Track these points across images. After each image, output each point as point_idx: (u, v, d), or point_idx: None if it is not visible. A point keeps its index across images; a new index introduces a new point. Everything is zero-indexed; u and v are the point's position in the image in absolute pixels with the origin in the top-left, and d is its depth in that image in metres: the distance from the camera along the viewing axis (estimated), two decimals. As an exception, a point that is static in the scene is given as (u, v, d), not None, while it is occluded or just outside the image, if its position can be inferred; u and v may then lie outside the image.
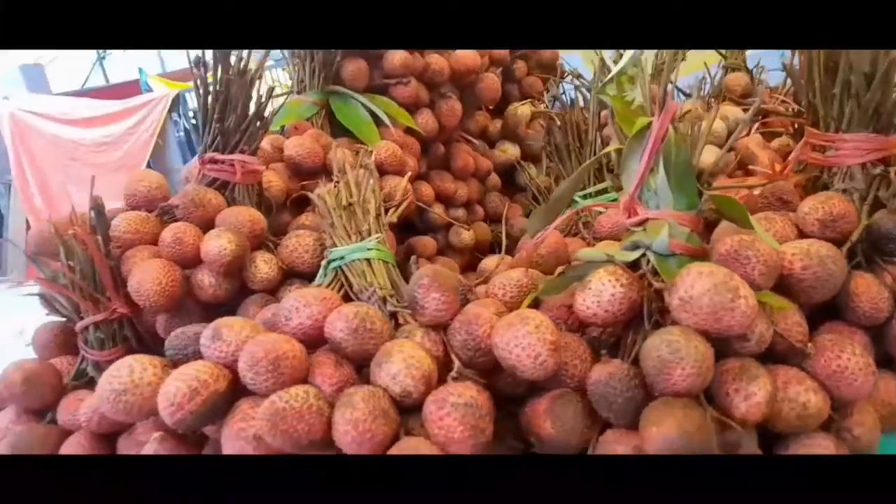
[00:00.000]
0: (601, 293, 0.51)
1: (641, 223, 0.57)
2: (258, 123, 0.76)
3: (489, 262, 0.84)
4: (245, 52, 0.76)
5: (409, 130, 1.08)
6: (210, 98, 0.75)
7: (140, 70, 5.30)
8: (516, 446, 0.51)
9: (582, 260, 0.56)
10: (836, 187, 0.66)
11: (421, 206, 1.13)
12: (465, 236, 1.17)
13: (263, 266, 0.70)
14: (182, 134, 5.98)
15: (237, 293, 0.71)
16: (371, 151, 0.93)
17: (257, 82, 0.77)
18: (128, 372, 0.48)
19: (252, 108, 0.76)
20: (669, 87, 0.57)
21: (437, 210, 1.16)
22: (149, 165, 5.35)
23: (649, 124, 0.58)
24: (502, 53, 1.28)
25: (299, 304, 0.52)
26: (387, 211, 0.78)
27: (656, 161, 0.56)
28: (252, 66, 0.77)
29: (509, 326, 0.48)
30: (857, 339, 0.56)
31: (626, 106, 0.62)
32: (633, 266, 0.55)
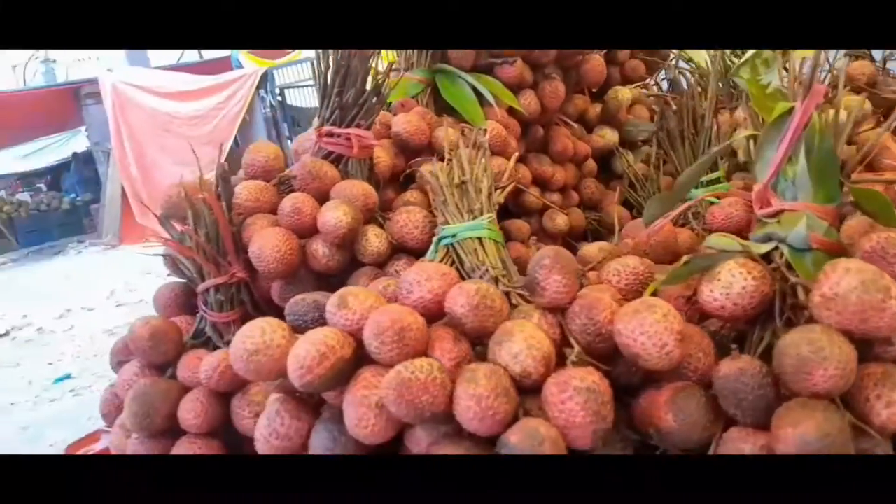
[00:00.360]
0: (731, 285, 0.49)
1: (775, 214, 0.54)
2: (374, 99, 0.77)
3: (590, 250, 0.83)
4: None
5: (510, 111, 1.07)
6: (331, 72, 0.76)
7: (233, 46, 5.48)
8: (631, 437, 0.51)
9: (714, 248, 0.54)
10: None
11: (517, 189, 1.12)
12: (559, 221, 1.15)
13: (374, 239, 0.72)
14: (268, 110, 6.18)
15: (348, 265, 0.73)
16: (483, 130, 0.93)
17: (375, 58, 0.78)
18: (259, 333, 0.50)
19: (370, 83, 0.77)
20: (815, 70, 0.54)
21: (534, 193, 1.15)
22: (235, 140, 5.56)
23: (790, 110, 0.55)
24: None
25: (421, 278, 0.53)
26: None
27: (796, 149, 0.54)
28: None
29: (635, 313, 0.47)
30: None
31: (762, 90, 0.59)
32: (765, 259, 0.53)
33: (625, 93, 1.36)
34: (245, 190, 0.74)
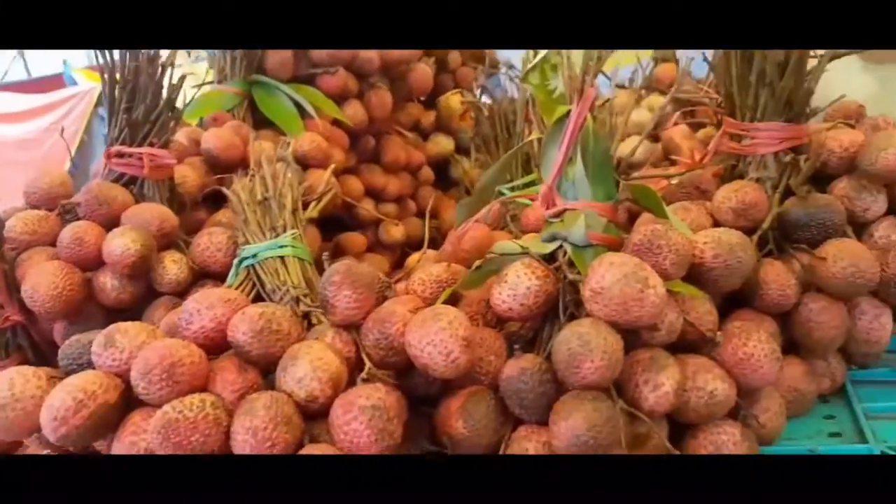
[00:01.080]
0: (517, 286, 0.50)
1: (559, 214, 0.56)
2: (169, 114, 0.72)
3: (413, 258, 0.82)
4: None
5: (337, 122, 1.05)
6: (118, 87, 0.70)
7: (65, 63, 5.05)
8: (429, 449, 0.50)
9: (498, 253, 0.55)
10: (751, 176, 0.66)
11: (350, 202, 1.10)
12: (394, 232, 1.14)
13: (172, 266, 0.66)
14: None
15: (145, 296, 0.67)
16: (289, 143, 0.90)
17: (170, 70, 0.73)
18: (8, 385, 0.44)
19: (164, 96, 0.72)
20: (592, 75, 0.56)
21: (367, 205, 1.13)
22: (73, 163, 5.10)
23: (568, 113, 0.57)
24: (434, 44, 1.27)
25: (201, 307, 0.49)
26: (308, 206, 0.76)
27: (574, 151, 0.56)
28: (163, 53, 0.73)
29: (422, 323, 0.47)
30: (766, 327, 0.57)
31: (548, 95, 0.61)
32: (552, 258, 0.55)
33: (455, 99, 1.38)
34: (19, 222, 0.66)
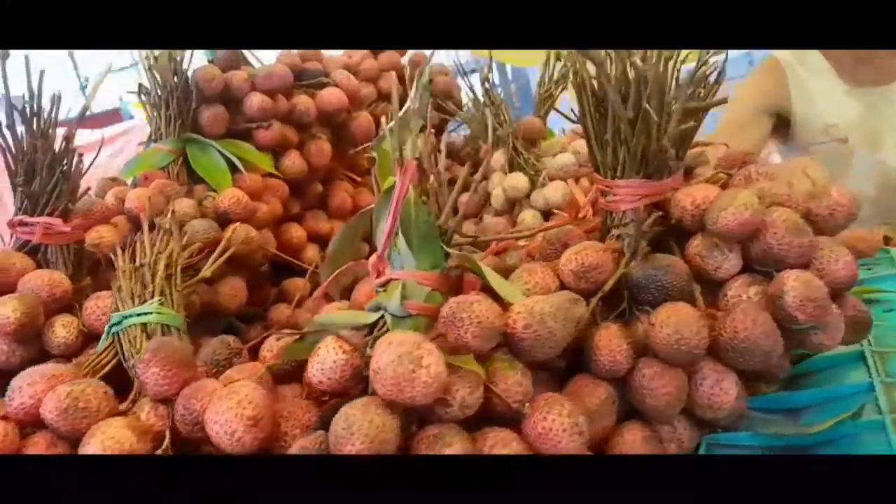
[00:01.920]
0: (325, 360, 0.52)
1: (385, 284, 0.57)
2: (66, 185, 0.77)
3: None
4: (50, 114, 0.77)
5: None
6: (16, 162, 0.75)
7: (120, 99, 5.34)
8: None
9: (320, 323, 0.56)
10: (612, 234, 0.66)
11: (297, 248, 1.14)
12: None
13: (61, 330, 0.70)
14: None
15: (36, 359, 0.71)
16: (212, 198, 0.93)
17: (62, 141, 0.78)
18: None
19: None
20: (413, 145, 0.57)
21: (311, 251, 1.16)
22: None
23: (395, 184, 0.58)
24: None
25: (24, 383, 0.53)
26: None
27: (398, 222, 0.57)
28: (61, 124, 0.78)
29: (217, 401, 0.49)
30: (598, 393, 0.57)
31: (387, 163, 0.63)
32: (374, 328, 0.56)
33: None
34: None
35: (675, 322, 0.55)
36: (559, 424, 0.49)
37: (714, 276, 0.61)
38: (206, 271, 0.78)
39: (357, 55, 1.38)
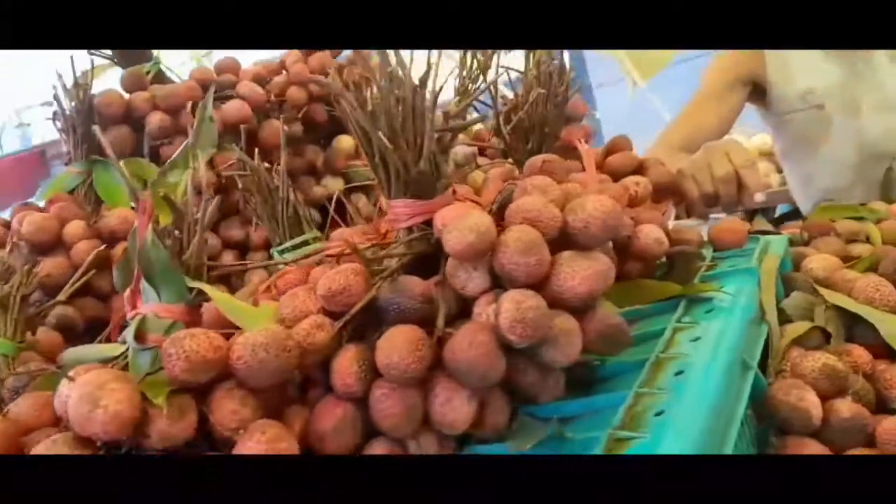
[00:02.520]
0: (61, 394, 0.57)
1: (133, 318, 0.61)
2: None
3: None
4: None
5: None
6: None
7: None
8: None
9: (66, 360, 0.62)
10: (383, 254, 0.68)
11: (212, 257, 1.20)
12: (255, 279, 1.22)
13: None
14: None
15: None
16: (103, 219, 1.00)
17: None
18: None
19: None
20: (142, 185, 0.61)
21: (227, 258, 1.22)
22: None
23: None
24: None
25: None
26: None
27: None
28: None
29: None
30: (338, 412, 0.59)
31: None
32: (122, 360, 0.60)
33: (347, 140, 1.43)
34: None
35: (387, 347, 0.56)
36: (259, 450, 0.53)
37: (463, 294, 0.62)
38: (62, 296, 0.84)
39: (292, 56, 1.42)
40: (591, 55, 6.29)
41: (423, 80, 0.64)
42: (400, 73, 0.64)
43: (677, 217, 1.22)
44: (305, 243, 0.95)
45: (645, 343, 0.72)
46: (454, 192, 0.69)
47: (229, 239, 1.22)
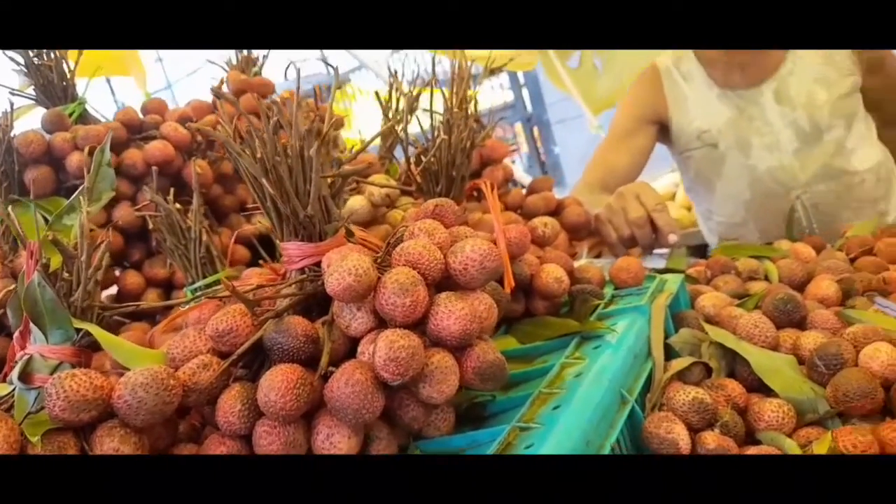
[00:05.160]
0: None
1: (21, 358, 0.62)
2: None
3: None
4: None
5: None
6: None
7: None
8: None
9: None
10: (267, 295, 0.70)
11: (136, 295, 1.20)
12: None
13: None
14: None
15: None
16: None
17: None
18: None
19: None
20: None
21: (151, 296, 1.23)
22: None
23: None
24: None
25: None
26: None
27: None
28: None
29: None
30: (223, 449, 0.61)
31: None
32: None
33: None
34: None
35: (266, 386, 0.58)
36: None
37: (348, 333, 0.65)
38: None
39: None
40: (550, 94, 6.48)
41: (312, 129, 0.67)
42: (292, 121, 0.67)
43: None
44: (218, 282, 0.96)
45: (540, 378, 0.75)
46: (350, 233, 0.71)
47: (153, 277, 1.22)
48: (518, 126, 6.90)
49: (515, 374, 0.79)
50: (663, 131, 1.62)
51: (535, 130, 6.65)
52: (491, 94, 7.13)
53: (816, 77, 1.46)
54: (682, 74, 1.57)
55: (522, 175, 4.69)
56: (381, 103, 1.20)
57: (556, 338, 0.86)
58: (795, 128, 1.47)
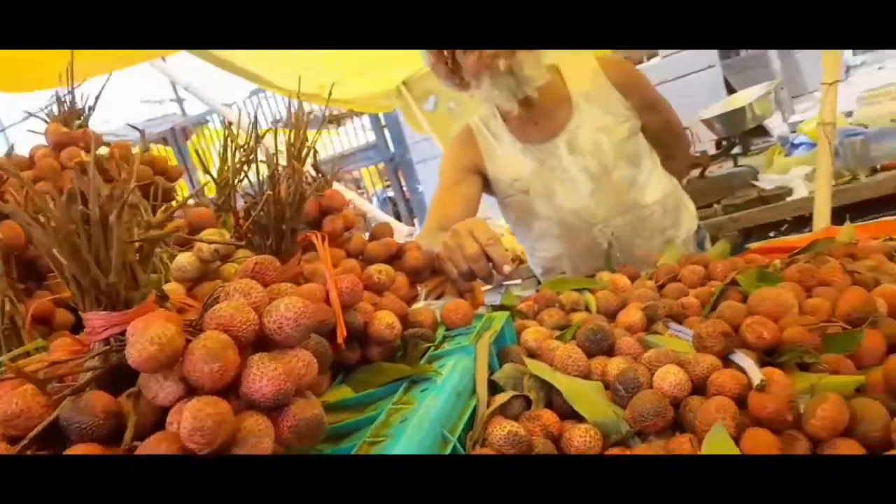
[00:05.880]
0: None
1: None
2: None
3: None
4: None
5: None
6: None
7: None
8: None
9: None
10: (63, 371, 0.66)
11: None
12: None
13: None
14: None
15: None
16: None
17: None
18: None
19: None
20: None
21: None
22: None
23: None
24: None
25: None
26: None
27: None
28: None
29: None
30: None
31: None
32: None
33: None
34: None
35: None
36: None
37: (156, 403, 0.63)
38: None
39: (41, 151, 1.35)
40: (412, 135, 6.65)
41: (113, 195, 0.65)
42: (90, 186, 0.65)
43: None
44: (27, 354, 0.89)
45: (369, 426, 0.77)
46: (162, 298, 0.70)
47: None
48: (364, 170, 7.05)
49: (346, 425, 0.80)
50: (486, 181, 1.76)
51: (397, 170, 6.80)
52: (353, 136, 7.19)
53: (598, 126, 1.67)
54: (492, 133, 1.74)
55: (378, 214, 4.78)
56: (201, 161, 1.19)
57: (389, 383, 0.88)
58: (588, 172, 1.67)
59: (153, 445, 0.57)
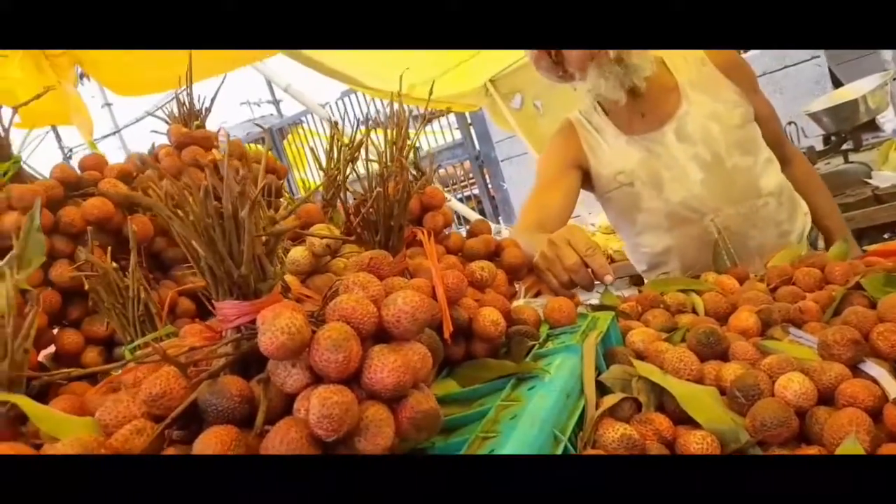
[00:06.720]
0: None
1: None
2: None
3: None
4: None
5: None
6: None
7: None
8: None
9: None
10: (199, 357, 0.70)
11: (75, 353, 1.18)
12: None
13: None
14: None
15: None
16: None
17: None
18: None
19: None
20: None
21: (92, 353, 1.20)
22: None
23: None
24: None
25: None
26: None
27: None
28: None
29: None
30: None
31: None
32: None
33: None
34: None
35: (199, 449, 0.59)
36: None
37: (284, 391, 0.66)
38: None
39: (164, 150, 1.44)
40: (497, 133, 6.65)
41: (244, 191, 0.69)
42: (224, 183, 0.69)
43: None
44: (159, 340, 0.96)
45: (478, 422, 0.77)
46: (286, 289, 0.73)
47: (93, 335, 1.20)
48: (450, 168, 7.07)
49: (455, 419, 0.81)
50: (585, 177, 1.72)
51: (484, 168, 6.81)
52: (440, 134, 7.26)
53: (708, 114, 1.60)
54: (594, 126, 1.69)
55: (467, 212, 4.76)
56: (316, 158, 1.23)
57: (494, 379, 0.88)
58: (698, 160, 1.60)
59: (284, 430, 0.59)
